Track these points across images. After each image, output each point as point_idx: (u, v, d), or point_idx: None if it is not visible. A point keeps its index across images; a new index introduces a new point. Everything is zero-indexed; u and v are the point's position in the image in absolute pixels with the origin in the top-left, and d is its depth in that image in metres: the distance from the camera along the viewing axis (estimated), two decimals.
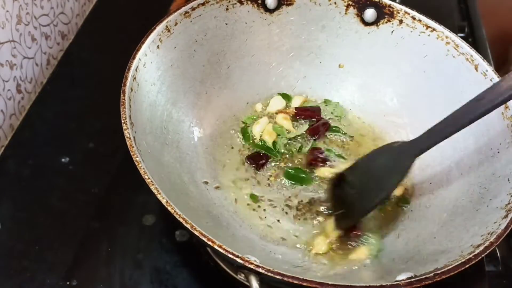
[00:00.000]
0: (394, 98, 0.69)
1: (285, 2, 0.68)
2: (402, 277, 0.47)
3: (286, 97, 0.71)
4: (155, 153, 0.56)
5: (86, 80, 0.77)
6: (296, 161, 0.65)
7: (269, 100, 0.70)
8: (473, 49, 0.63)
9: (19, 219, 0.62)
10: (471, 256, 0.48)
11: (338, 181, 0.62)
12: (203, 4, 0.64)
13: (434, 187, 0.62)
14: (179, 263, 0.59)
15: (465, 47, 0.63)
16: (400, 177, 0.58)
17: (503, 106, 0.59)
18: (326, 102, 0.71)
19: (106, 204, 0.64)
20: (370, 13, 0.68)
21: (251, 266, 0.45)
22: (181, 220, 0.46)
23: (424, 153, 0.65)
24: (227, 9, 0.66)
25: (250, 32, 0.68)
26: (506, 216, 0.51)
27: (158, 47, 0.60)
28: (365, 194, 0.59)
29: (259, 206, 0.61)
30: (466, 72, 0.63)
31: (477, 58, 0.62)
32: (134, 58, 0.58)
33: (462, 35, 0.83)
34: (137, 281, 0.58)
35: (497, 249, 0.60)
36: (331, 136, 0.68)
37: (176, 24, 0.62)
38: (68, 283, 0.57)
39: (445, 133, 0.56)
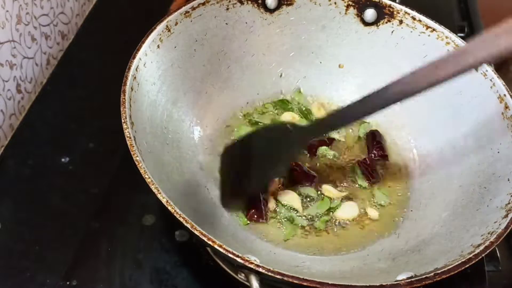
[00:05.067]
0: None
1: (285, 2, 0.68)
2: (402, 276, 0.47)
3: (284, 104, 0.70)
4: (156, 152, 0.56)
5: (86, 80, 0.77)
6: None
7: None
8: None
9: (19, 219, 0.62)
10: (471, 255, 0.48)
11: (232, 149, 0.62)
12: (203, 3, 0.64)
13: (434, 187, 0.62)
14: (179, 263, 0.59)
15: None
16: (286, 164, 0.61)
17: (503, 107, 0.59)
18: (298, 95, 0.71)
19: (106, 204, 0.64)
20: (370, 13, 0.68)
21: (252, 266, 0.45)
22: (181, 219, 0.46)
23: (424, 153, 0.66)
24: (227, 9, 0.66)
25: (250, 32, 0.68)
26: (506, 216, 0.51)
27: (158, 46, 0.60)
28: (254, 177, 0.59)
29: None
30: (466, 72, 0.63)
31: None
32: (134, 57, 0.58)
33: (462, 35, 0.83)
34: (137, 281, 0.58)
35: (497, 249, 0.60)
36: None
37: (176, 23, 0.62)
38: (68, 283, 0.57)
39: (331, 127, 0.59)
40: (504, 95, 0.59)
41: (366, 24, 0.68)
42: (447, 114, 0.64)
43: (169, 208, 0.47)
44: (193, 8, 0.63)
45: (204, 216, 0.56)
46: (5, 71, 0.67)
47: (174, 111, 0.62)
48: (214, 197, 0.60)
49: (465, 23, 0.88)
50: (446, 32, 0.65)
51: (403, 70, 0.67)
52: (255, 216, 0.59)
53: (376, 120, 0.69)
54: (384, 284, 0.45)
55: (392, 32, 0.68)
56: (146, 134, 0.56)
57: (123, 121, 0.52)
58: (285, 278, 0.44)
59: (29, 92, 0.74)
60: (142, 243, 0.61)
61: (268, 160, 0.59)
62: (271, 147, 0.59)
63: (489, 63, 0.59)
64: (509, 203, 0.52)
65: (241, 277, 0.54)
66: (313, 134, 0.60)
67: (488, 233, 0.50)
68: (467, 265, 0.47)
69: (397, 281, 0.46)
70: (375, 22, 0.68)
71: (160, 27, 0.61)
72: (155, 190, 0.48)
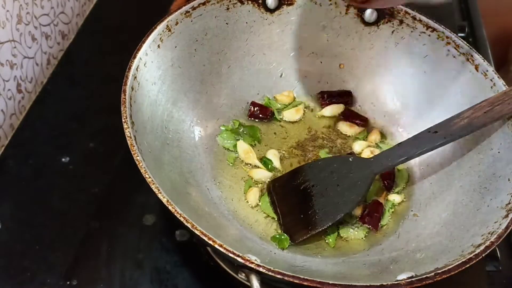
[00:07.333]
0: (394, 98, 0.69)
1: (286, 2, 0.68)
2: (402, 276, 0.47)
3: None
4: (156, 152, 0.56)
5: (86, 80, 0.77)
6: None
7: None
8: (473, 49, 0.63)
9: (19, 219, 0.62)
10: (471, 255, 0.48)
11: (280, 186, 0.61)
12: (203, 3, 0.64)
13: (434, 187, 0.62)
14: (179, 263, 0.59)
15: (466, 47, 0.63)
16: (361, 195, 0.58)
17: None
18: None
19: (106, 204, 0.64)
20: (370, 13, 0.68)
21: (252, 266, 0.45)
22: (181, 219, 0.46)
23: (424, 154, 0.65)
24: (227, 8, 0.66)
25: (250, 32, 0.68)
26: (506, 216, 0.51)
27: (158, 46, 0.60)
28: (321, 209, 0.58)
29: (259, 205, 0.61)
30: (466, 72, 0.63)
31: (478, 58, 0.62)
32: (134, 57, 0.58)
33: (462, 35, 0.83)
34: (137, 281, 0.58)
35: (497, 249, 0.60)
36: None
37: (176, 23, 0.62)
38: (68, 283, 0.57)
39: (403, 157, 0.58)
40: None
41: (366, 24, 0.68)
42: (447, 114, 0.64)
43: (170, 207, 0.47)
44: (194, 8, 0.63)
45: (204, 216, 0.56)
46: (5, 70, 0.67)
47: (174, 111, 0.62)
48: (214, 197, 0.60)
49: (465, 23, 0.88)
50: (447, 32, 0.65)
51: (403, 70, 0.68)
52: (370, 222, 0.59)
53: (378, 121, 0.69)
54: (384, 284, 0.45)
55: (392, 32, 0.68)
56: (146, 134, 0.56)
57: (123, 120, 0.52)
58: (286, 278, 0.44)
59: (29, 91, 0.74)
60: (142, 243, 0.61)
61: (334, 193, 0.58)
62: (333, 179, 0.58)
63: None
64: (509, 203, 0.52)
65: (241, 277, 0.54)
66: (377, 169, 0.58)
67: (489, 233, 0.50)
68: (467, 265, 0.47)
69: (397, 281, 0.46)
70: (376, 22, 0.68)
71: (161, 27, 0.61)
72: (155, 190, 0.48)
